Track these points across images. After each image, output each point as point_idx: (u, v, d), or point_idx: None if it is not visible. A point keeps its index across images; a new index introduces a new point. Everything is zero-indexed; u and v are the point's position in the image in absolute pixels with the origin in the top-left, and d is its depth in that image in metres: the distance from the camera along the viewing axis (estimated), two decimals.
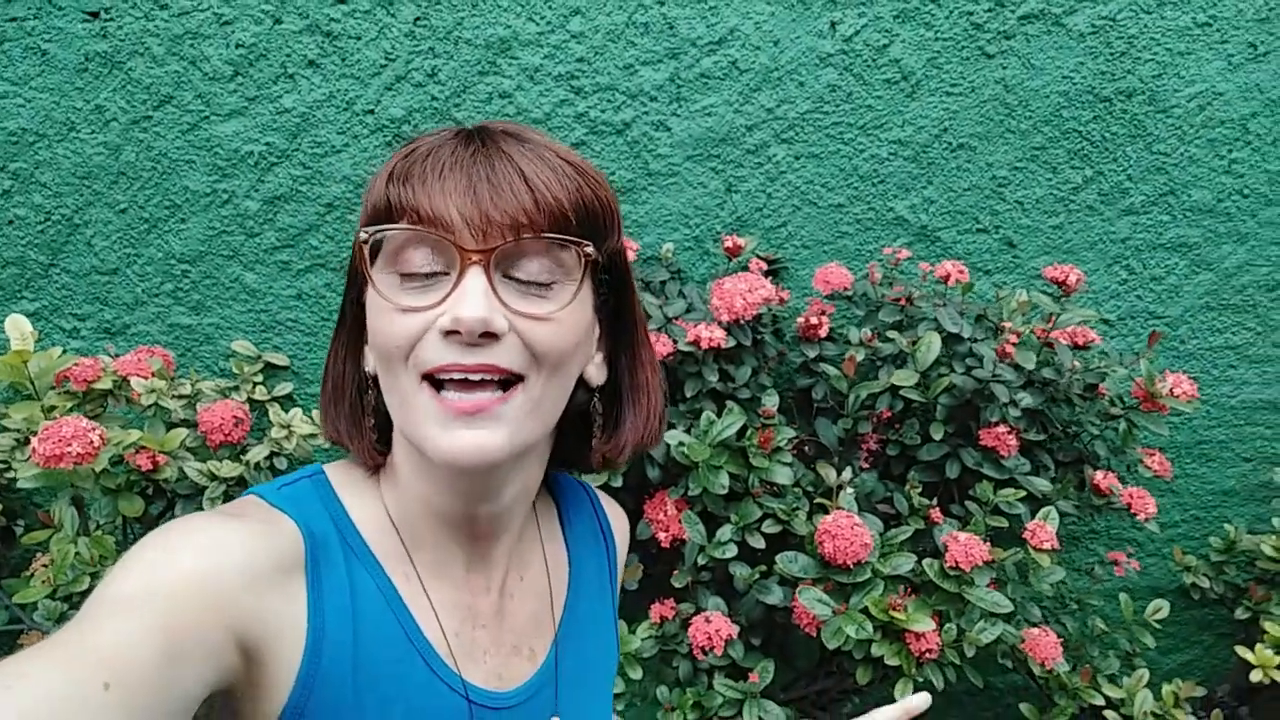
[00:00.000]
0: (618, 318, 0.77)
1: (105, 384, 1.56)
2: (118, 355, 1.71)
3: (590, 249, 0.66)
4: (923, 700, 0.81)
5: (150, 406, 1.55)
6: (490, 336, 0.62)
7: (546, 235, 0.64)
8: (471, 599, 0.77)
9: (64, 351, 1.55)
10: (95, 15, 1.70)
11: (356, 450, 0.75)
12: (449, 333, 0.62)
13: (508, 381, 0.64)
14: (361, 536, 0.72)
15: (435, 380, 0.64)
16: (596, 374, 0.76)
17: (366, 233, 0.66)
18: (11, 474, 1.56)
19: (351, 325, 0.74)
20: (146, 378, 1.58)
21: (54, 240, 1.78)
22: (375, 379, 0.71)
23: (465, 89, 1.78)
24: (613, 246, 0.72)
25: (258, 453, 1.60)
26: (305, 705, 0.63)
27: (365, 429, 0.74)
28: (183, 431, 1.54)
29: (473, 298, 0.61)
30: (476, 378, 0.63)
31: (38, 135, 1.74)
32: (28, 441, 1.59)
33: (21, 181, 1.75)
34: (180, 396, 1.63)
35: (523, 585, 0.82)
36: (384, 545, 0.73)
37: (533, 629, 0.81)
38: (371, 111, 1.77)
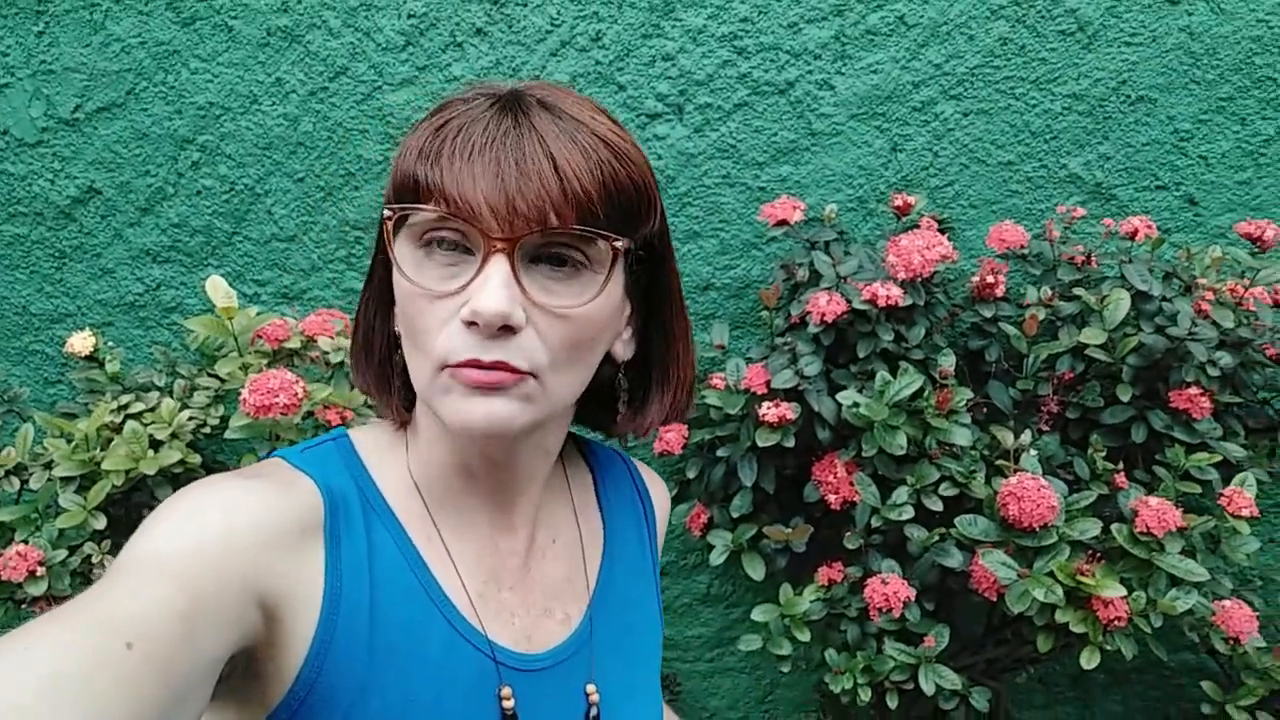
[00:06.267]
0: (651, 293, 0.75)
1: (294, 343, 1.63)
2: (297, 318, 1.78)
3: (620, 242, 0.64)
4: None
5: (337, 364, 1.61)
6: (508, 330, 0.61)
7: (574, 229, 0.62)
8: (497, 560, 0.76)
9: (258, 313, 1.62)
10: None
11: (384, 405, 0.75)
12: (470, 323, 0.61)
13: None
14: (383, 497, 0.71)
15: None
16: (623, 350, 0.74)
17: (391, 210, 0.64)
18: (206, 429, 1.65)
19: (382, 281, 0.72)
20: (331, 337, 1.65)
21: (237, 209, 1.86)
22: (401, 340, 0.70)
23: (629, 52, 1.79)
24: (648, 231, 0.69)
25: None
26: (322, 664, 0.63)
27: (394, 386, 0.74)
28: None
29: (492, 290, 0.60)
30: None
31: (223, 109, 1.82)
32: (220, 399, 1.68)
33: (208, 153, 1.84)
34: None
35: (554, 548, 0.81)
36: (406, 506, 0.72)
37: (566, 592, 0.80)
38: (537, 77, 1.80)
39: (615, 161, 0.64)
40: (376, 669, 0.66)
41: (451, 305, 0.62)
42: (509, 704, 0.71)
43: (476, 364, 0.61)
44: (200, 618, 0.53)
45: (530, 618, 0.76)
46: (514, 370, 0.62)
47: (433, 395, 0.65)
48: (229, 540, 0.59)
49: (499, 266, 0.61)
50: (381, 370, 0.75)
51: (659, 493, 0.94)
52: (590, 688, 0.76)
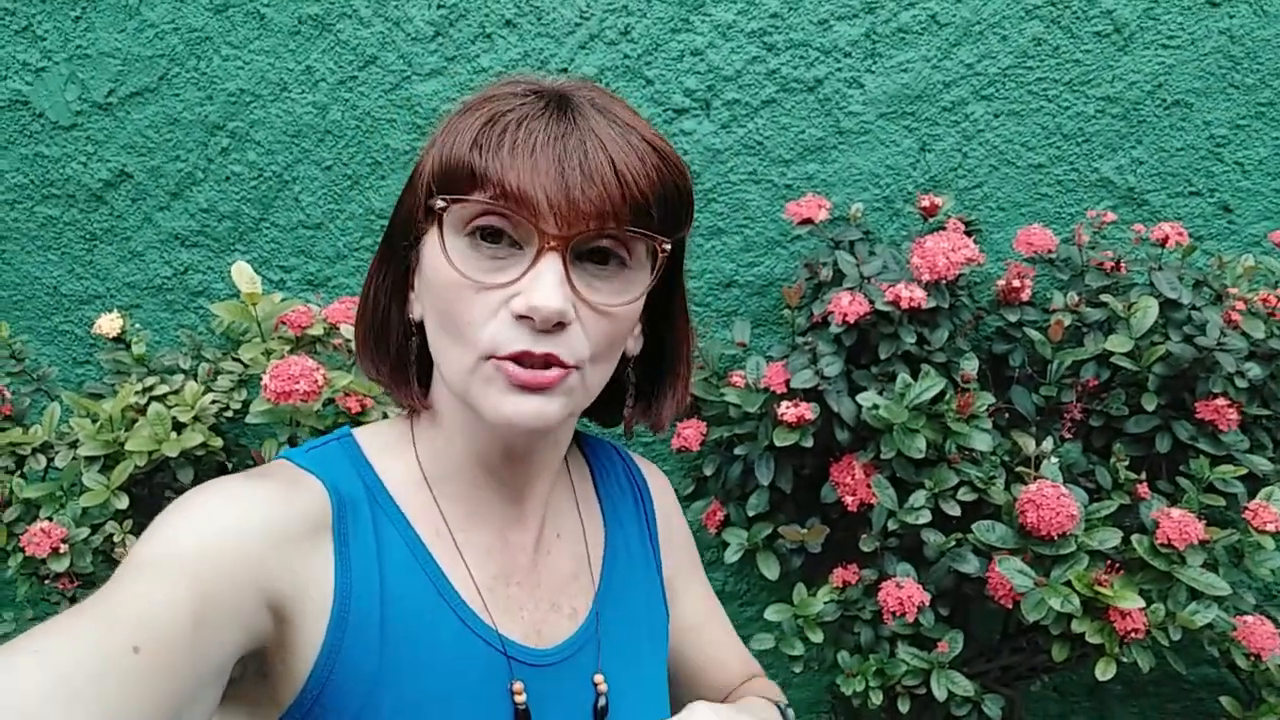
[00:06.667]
0: (664, 291, 0.77)
1: (316, 330, 1.65)
2: (321, 305, 1.80)
3: (667, 245, 0.67)
4: None
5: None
6: (560, 325, 0.62)
7: (630, 230, 0.64)
8: (506, 555, 0.76)
9: (282, 299, 1.64)
10: None
11: (400, 395, 0.76)
12: (521, 316, 0.62)
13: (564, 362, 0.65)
14: (390, 495, 0.72)
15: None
16: (634, 345, 0.76)
17: (444, 199, 0.64)
18: (229, 413, 1.67)
19: (398, 269, 0.73)
20: (353, 325, 1.66)
21: (265, 195, 1.88)
22: (420, 325, 0.71)
23: (657, 47, 1.78)
24: (684, 234, 0.72)
25: None
26: (334, 663, 0.64)
27: (411, 376, 0.75)
28: None
29: (549, 286, 0.61)
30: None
31: (253, 95, 1.84)
32: (244, 383, 1.70)
33: (238, 140, 1.86)
34: None
35: (559, 543, 0.81)
36: (414, 503, 0.73)
37: (572, 586, 0.80)
38: (565, 70, 1.80)
39: (664, 167, 0.65)
40: (388, 666, 0.66)
41: (499, 297, 0.63)
42: (520, 698, 0.71)
43: (528, 355, 0.62)
44: (210, 620, 0.54)
45: (538, 612, 0.77)
46: (562, 364, 0.64)
47: (471, 386, 0.65)
48: (239, 542, 0.59)
49: (553, 264, 0.62)
50: (398, 359, 0.75)
51: (657, 482, 0.95)
52: (598, 678, 0.77)
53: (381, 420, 0.80)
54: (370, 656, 0.65)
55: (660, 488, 0.95)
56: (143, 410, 1.59)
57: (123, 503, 1.54)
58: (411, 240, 0.70)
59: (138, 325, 1.88)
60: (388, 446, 0.75)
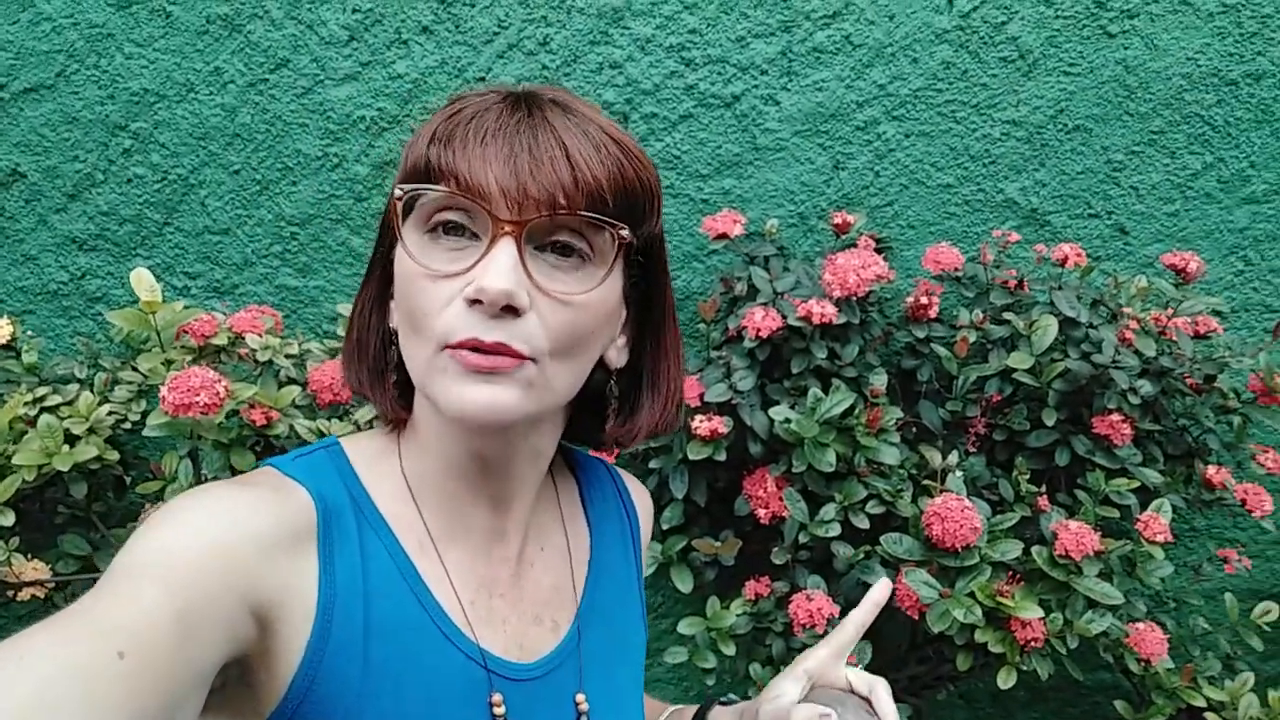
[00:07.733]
0: (647, 302, 0.76)
1: (221, 340, 1.60)
2: (227, 314, 1.74)
3: (625, 232, 0.66)
4: (884, 590, 0.83)
5: (264, 363, 1.58)
6: (511, 311, 0.62)
7: (582, 214, 0.63)
8: (489, 567, 0.76)
9: (185, 307, 1.58)
10: None
11: (378, 403, 0.75)
12: (473, 302, 0.62)
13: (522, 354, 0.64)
14: (375, 505, 0.72)
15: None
16: (617, 357, 0.75)
17: (403, 190, 0.65)
18: (126, 425, 1.61)
19: (380, 278, 0.74)
20: (259, 335, 1.61)
21: (169, 199, 1.82)
22: (399, 333, 0.71)
23: (576, 58, 1.78)
24: (650, 230, 0.71)
25: (364, 414, 1.62)
26: (315, 673, 0.63)
27: (387, 384, 0.75)
28: (294, 389, 1.57)
29: (499, 269, 0.60)
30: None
31: (158, 96, 1.78)
32: (144, 393, 1.64)
33: (141, 141, 1.79)
34: (289, 356, 1.66)
35: (543, 555, 0.81)
36: (399, 513, 0.73)
37: (554, 600, 0.80)
38: (483, 79, 1.78)
39: (624, 157, 0.65)
40: (370, 678, 0.66)
41: (455, 286, 0.63)
42: (500, 711, 0.71)
43: (477, 344, 0.61)
44: (193, 626, 0.54)
45: (521, 625, 0.77)
46: (514, 353, 0.62)
47: (429, 377, 0.65)
48: (223, 549, 0.59)
49: (506, 248, 0.61)
50: (375, 366, 0.76)
51: (643, 501, 0.95)
52: (580, 696, 0.77)
53: (369, 430, 0.79)
54: (353, 668, 0.65)
55: (644, 506, 0.95)
56: (33, 421, 1.52)
57: (9, 519, 1.47)
58: (387, 248, 0.71)
59: (29, 332, 1.80)
60: (374, 457, 0.75)
